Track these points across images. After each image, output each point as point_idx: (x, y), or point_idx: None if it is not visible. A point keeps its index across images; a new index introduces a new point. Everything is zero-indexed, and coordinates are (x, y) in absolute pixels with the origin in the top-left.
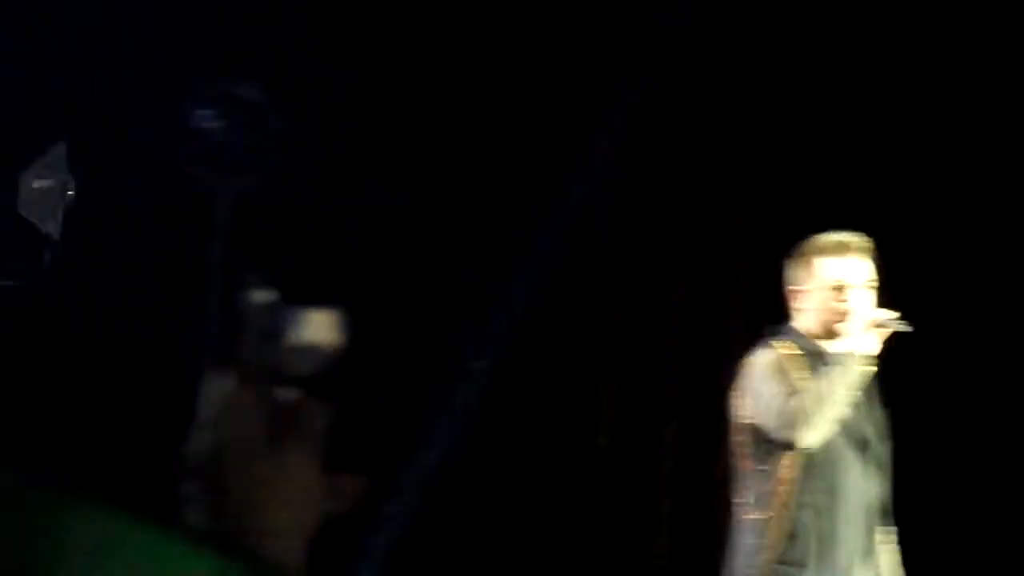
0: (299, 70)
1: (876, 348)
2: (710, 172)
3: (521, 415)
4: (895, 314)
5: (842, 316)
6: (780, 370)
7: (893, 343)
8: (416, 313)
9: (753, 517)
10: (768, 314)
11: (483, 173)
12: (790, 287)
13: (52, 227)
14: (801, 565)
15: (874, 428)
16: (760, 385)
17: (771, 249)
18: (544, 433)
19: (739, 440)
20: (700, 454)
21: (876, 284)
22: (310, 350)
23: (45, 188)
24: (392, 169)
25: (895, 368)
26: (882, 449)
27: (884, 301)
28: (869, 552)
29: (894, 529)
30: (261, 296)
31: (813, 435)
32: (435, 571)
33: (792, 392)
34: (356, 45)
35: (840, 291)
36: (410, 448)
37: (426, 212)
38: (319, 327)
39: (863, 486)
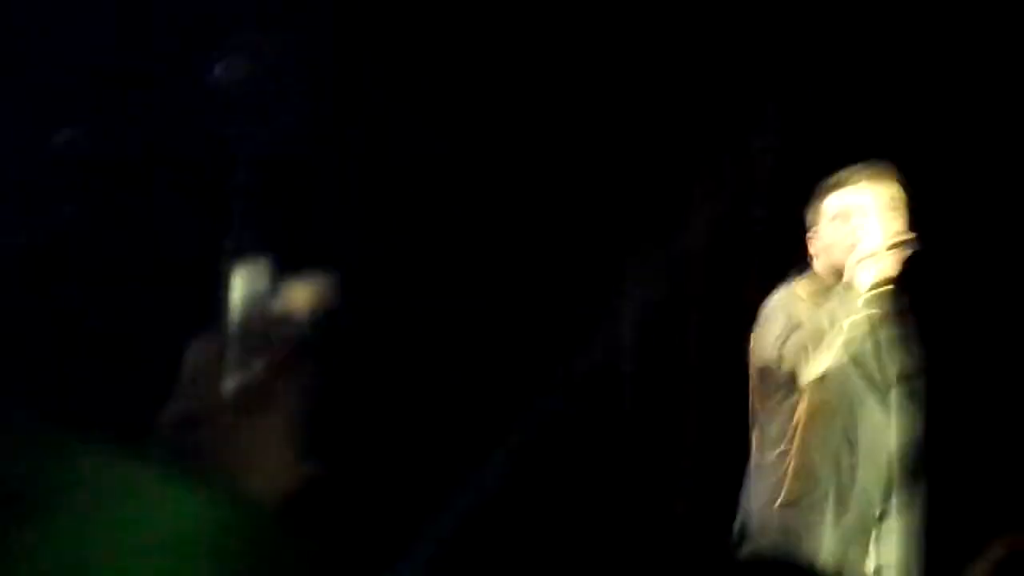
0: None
1: (887, 273)
2: None
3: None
4: (907, 235)
5: (847, 247)
6: (786, 307)
7: (911, 269)
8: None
9: (766, 459)
10: None
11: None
12: (807, 233)
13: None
14: (817, 509)
15: (899, 368)
16: (767, 323)
17: None
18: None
19: (753, 382)
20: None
21: (896, 208)
22: (292, 318)
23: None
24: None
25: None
26: (909, 391)
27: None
28: (893, 502)
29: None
30: (244, 262)
31: (813, 368)
32: None
33: (795, 326)
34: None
35: (842, 221)
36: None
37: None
38: (304, 295)
39: (883, 430)
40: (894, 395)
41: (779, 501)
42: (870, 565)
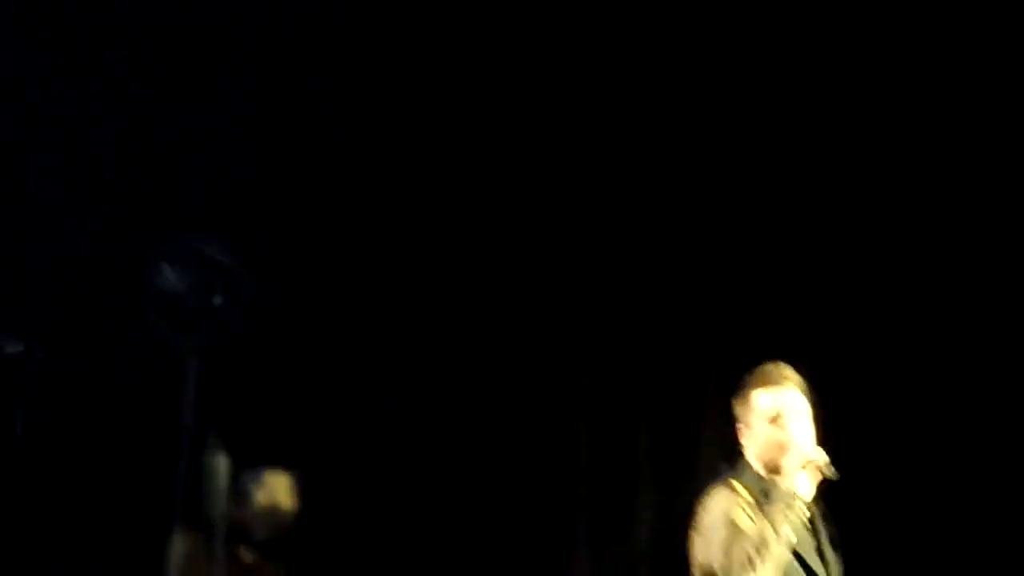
0: (268, 228)
1: (810, 490)
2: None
3: None
4: (825, 457)
5: (782, 449)
6: (729, 512)
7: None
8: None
9: None
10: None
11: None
12: (737, 424)
13: (23, 393)
14: None
15: (835, 566)
16: (710, 527)
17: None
18: None
19: None
20: None
21: (812, 416)
22: (270, 513)
23: (15, 354)
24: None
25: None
26: None
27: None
28: None
29: None
30: (223, 457)
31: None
32: None
33: (738, 533)
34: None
35: (776, 422)
36: None
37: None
38: (279, 490)
39: None
40: None
41: None
42: None
